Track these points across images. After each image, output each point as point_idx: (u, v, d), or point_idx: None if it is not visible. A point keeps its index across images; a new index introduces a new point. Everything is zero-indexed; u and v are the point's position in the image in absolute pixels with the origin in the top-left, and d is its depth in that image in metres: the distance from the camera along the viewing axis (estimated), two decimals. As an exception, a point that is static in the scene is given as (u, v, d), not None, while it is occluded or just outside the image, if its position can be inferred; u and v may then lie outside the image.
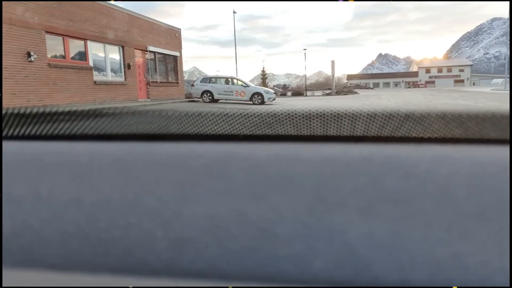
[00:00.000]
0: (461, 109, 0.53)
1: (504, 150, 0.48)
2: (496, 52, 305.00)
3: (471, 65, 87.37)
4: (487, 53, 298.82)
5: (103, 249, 0.41)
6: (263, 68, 36.43)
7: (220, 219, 0.42)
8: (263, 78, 35.99)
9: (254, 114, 0.56)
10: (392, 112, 0.53)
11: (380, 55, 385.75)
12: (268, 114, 0.55)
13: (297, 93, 33.64)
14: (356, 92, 33.14)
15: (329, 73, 31.31)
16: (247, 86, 17.89)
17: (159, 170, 0.48)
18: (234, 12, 40.34)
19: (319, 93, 34.67)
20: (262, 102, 16.79)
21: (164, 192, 0.45)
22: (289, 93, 33.87)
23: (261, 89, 18.38)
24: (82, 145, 0.54)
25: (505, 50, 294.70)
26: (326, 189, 0.44)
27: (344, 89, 36.17)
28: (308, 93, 34.35)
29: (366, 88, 58.18)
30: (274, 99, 17.72)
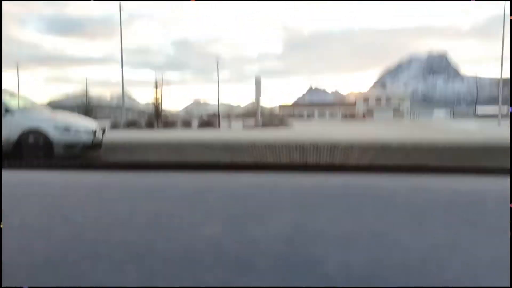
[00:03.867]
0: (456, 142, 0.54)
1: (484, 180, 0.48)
2: (414, 87, 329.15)
3: (411, 95, 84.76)
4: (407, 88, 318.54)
5: (71, 283, 0.39)
6: (156, 88, 25.25)
7: (195, 252, 0.41)
8: (156, 103, 24.70)
9: (235, 145, 0.57)
10: (369, 145, 0.53)
11: (310, 88, 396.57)
12: (249, 145, 0.56)
13: (206, 123, 23.00)
14: (289, 125, 23.18)
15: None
16: (6, 110, 6.55)
17: (135, 201, 0.48)
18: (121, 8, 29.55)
19: (240, 124, 24.19)
20: (50, 153, 5.88)
21: (139, 224, 0.44)
22: (195, 124, 23.14)
23: (45, 122, 6.86)
24: (58, 175, 0.54)
25: (422, 86, 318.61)
26: (304, 219, 0.43)
27: (274, 120, 26.46)
28: (225, 122, 24.03)
29: (300, 118, 49.89)
30: (89, 147, 6.66)
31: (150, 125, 22.93)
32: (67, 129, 6.67)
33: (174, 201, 0.46)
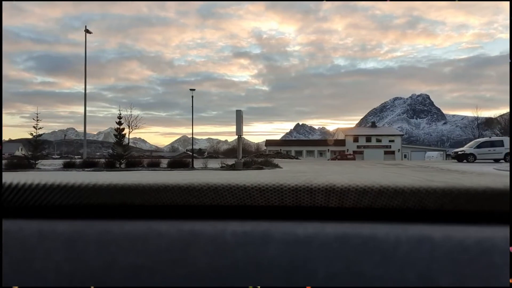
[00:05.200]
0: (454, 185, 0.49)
1: (499, 231, 0.45)
2: (398, 127, 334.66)
3: (402, 135, 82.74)
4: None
5: None
6: (119, 118, 22.00)
7: None
8: (119, 135, 21.35)
9: (224, 187, 0.52)
10: (366, 188, 0.50)
11: (297, 125, 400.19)
12: (238, 187, 0.52)
13: (179, 163, 19.61)
14: (276, 165, 19.88)
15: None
16: None
17: (112, 253, 0.43)
18: (87, 31, 26.86)
19: (217, 163, 20.81)
20: None
21: (115, 281, 0.40)
22: (164, 163, 19.72)
23: None
24: (32, 224, 0.49)
25: (406, 126, 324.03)
26: (297, 275, 0.40)
27: (258, 159, 23.19)
28: (197, 162, 20.72)
29: (289, 158, 46.65)
30: None
31: (110, 165, 19.54)
32: None
33: (155, 254, 0.41)
